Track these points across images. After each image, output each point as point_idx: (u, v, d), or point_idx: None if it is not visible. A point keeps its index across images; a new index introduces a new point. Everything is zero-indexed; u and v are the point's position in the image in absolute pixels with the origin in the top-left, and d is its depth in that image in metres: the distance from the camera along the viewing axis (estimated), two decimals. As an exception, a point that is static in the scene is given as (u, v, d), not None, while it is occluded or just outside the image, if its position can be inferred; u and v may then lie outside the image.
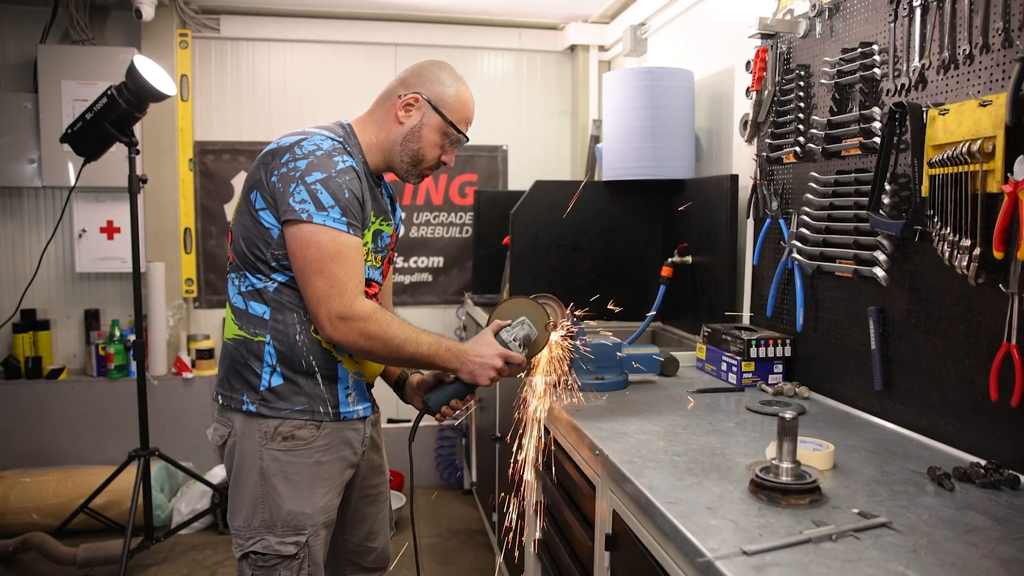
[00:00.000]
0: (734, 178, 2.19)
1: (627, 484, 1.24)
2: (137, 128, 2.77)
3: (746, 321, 2.15)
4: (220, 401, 1.52)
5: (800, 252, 1.82)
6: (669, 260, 2.48)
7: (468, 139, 1.63)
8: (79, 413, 3.42)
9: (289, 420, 1.46)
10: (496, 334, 1.55)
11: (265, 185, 1.42)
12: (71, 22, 3.34)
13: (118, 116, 2.58)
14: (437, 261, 3.89)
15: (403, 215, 3.87)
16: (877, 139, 1.58)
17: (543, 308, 1.61)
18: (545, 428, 1.85)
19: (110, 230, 3.47)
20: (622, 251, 2.71)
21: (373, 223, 1.54)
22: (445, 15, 3.70)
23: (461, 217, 3.89)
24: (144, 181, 2.78)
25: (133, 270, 2.80)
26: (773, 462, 1.17)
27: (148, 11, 3.22)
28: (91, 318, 3.56)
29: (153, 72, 2.58)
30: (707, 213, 2.35)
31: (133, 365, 3.43)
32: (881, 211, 1.52)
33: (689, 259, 2.45)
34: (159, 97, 2.61)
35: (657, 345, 2.74)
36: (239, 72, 3.66)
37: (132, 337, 3.25)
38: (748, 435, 1.47)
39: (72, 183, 3.14)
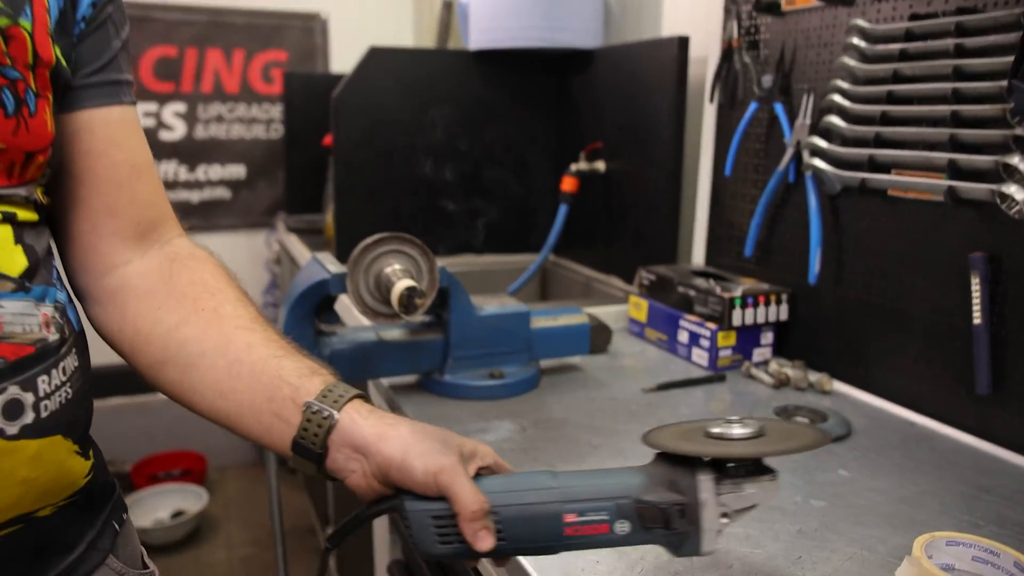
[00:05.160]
0: (683, 42, 1.43)
1: None
2: None
3: (699, 261, 1.44)
4: None
5: (823, 156, 1.11)
6: (573, 168, 1.71)
7: None
8: None
9: None
10: None
11: None
12: None
13: None
14: (237, 171, 2.90)
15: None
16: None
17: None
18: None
19: None
20: (500, 155, 1.90)
21: None
22: None
23: (267, 110, 2.89)
24: None
25: None
26: None
27: None
28: None
29: None
30: (634, 98, 1.59)
31: None
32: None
33: (602, 166, 1.69)
34: None
35: (549, 291, 2.01)
36: None
37: None
38: (800, 496, 0.77)
39: None
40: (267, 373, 0.60)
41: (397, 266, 0.98)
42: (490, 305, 1.12)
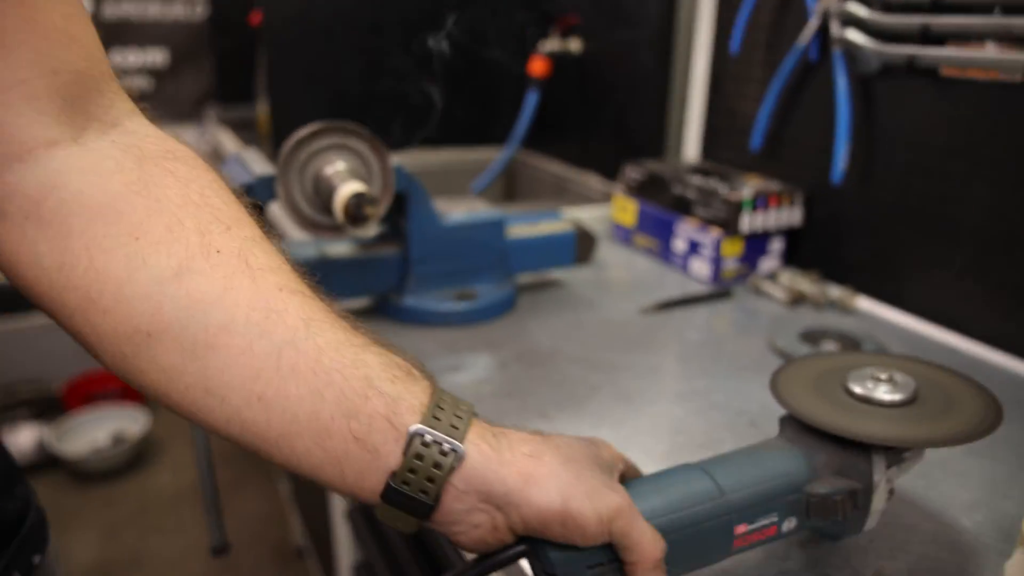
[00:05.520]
0: None
1: None
2: None
3: (691, 155, 1.26)
4: None
5: (860, 26, 0.92)
6: (543, 48, 1.49)
7: None
8: None
9: None
10: None
11: None
12: None
13: None
14: (159, 57, 2.58)
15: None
16: None
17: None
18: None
19: None
20: (456, 32, 1.65)
21: None
22: None
23: (188, -14, 2.55)
24: None
25: None
26: None
27: None
28: None
29: None
30: (615, -38, 1.35)
31: None
32: None
33: (577, 45, 1.47)
34: None
35: (515, 190, 1.81)
36: None
37: None
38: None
39: None
40: (341, 371, 0.37)
41: (341, 166, 0.78)
42: (457, 212, 0.93)
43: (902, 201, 0.91)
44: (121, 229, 0.38)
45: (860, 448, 0.45)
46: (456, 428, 0.37)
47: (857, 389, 0.48)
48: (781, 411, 0.64)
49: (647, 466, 0.47)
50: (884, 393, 0.47)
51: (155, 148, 0.41)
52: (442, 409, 0.38)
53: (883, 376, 0.48)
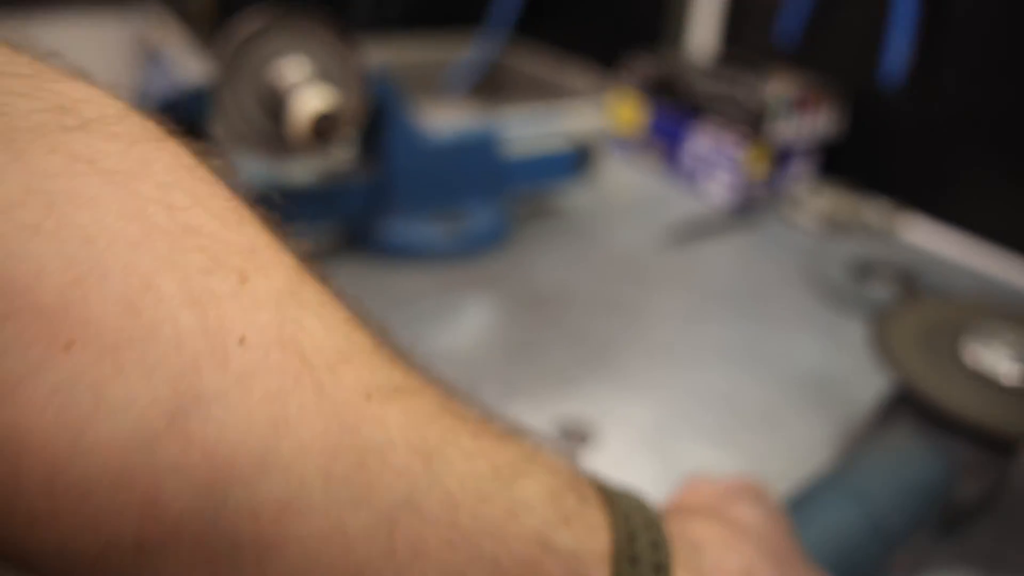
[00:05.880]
0: None
1: None
2: None
3: (702, 46, 1.09)
4: None
5: None
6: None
7: None
8: None
9: None
10: None
11: None
12: None
13: None
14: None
15: None
16: None
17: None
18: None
19: None
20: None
21: None
22: None
23: None
24: None
25: None
26: None
27: None
28: None
29: None
30: None
31: None
32: None
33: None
34: None
35: (486, 87, 1.62)
36: None
37: None
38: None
39: None
40: (495, 532, 0.22)
41: (302, 69, 0.61)
42: (443, 123, 0.77)
43: (974, 107, 0.78)
44: (26, 326, 0.16)
45: (1002, 443, 0.38)
46: (661, 567, 0.24)
47: (971, 362, 0.40)
48: (838, 374, 0.56)
49: (703, 447, 0.37)
50: (1003, 365, 0.39)
51: (26, 105, 0.17)
52: (636, 540, 0.24)
53: (1008, 347, 0.40)
